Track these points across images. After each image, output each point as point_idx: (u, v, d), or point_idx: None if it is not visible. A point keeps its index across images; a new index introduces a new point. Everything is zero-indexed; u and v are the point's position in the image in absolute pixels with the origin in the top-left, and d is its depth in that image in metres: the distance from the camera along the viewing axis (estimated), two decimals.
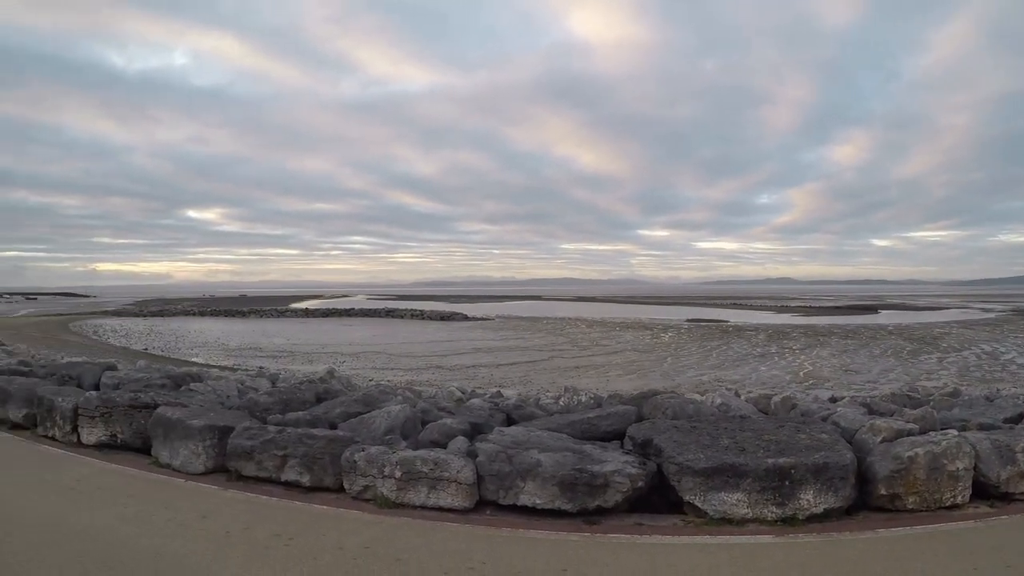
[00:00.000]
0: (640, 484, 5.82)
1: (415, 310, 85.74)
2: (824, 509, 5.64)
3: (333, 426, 8.16)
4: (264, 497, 6.56)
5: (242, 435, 7.23)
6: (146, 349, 39.46)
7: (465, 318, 74.91)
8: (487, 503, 6.13)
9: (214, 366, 26.53)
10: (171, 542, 5.32)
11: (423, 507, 6.10)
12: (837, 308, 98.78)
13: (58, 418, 8.88)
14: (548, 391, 20.41)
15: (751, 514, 5.60)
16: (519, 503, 5.93)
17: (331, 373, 20.96)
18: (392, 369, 31.32)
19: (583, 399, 13.61)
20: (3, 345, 25.39)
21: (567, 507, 5.78)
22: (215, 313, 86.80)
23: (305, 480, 6.77)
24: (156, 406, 8.39)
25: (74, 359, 17.94)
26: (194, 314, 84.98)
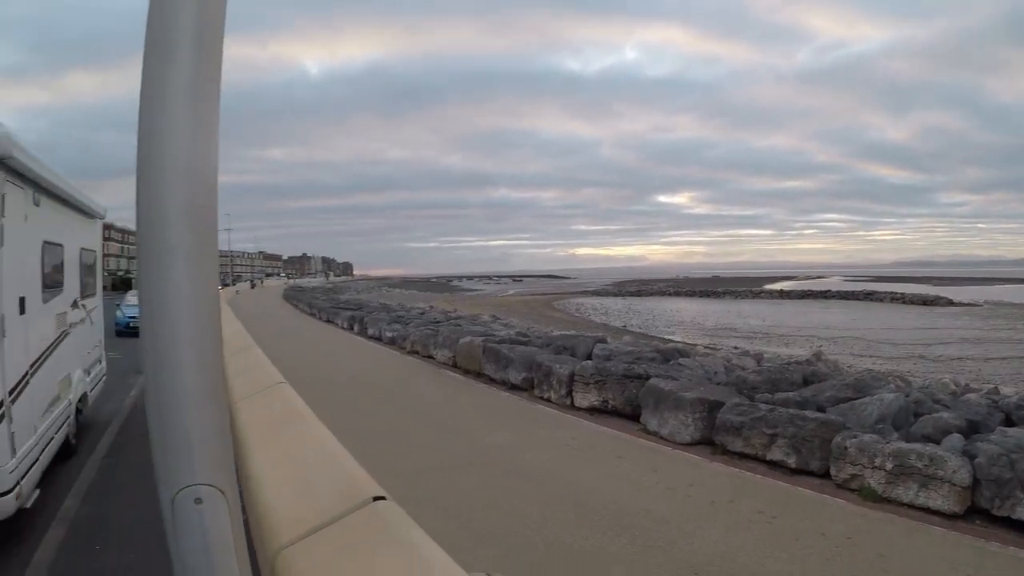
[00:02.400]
0: None
1: (895, 293, 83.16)
2: None
3: (821, 409, 8.19)
4: (748, 473, 6.94)
5: (732, 411, 7.77)
6: (625, 326, 44.03)
7: (949, 303, 69.81)
8: (976, 511, 5.81)
9: (692, 344, 28.26)
10: (657, 503, 6.04)
11: (909, 505, 5.97)
12: None
13: (555, 383, 10.68)
14: None
15: None
16: (1014, 516, 5.51)
17: (818, 356, 20.66)
18: (871, 356, 30.19)
19: None
20: (498, 319, 30.90)
21: None
22: (689, 294, 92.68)
23: (791, 461, 6.95)
24: (648, 377, 9.56)
25: (566, 332, 20.94)
26: (668, 294, 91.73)
